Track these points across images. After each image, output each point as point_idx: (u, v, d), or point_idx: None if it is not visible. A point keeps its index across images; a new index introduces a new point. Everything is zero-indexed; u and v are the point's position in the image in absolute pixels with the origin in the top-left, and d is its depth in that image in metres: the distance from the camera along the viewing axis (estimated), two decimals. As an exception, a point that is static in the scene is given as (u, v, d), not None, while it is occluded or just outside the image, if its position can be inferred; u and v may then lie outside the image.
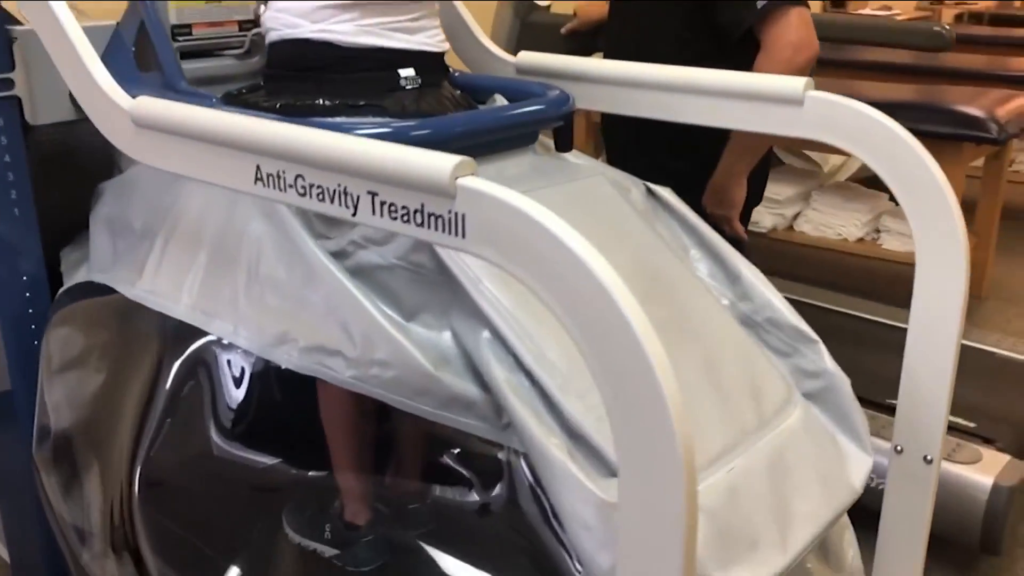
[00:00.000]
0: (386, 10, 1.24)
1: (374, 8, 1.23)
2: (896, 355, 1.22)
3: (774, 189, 3.23)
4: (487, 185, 0.78)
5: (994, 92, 3.02)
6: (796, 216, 3.25)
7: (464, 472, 1.34)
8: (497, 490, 1.32)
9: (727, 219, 1.76)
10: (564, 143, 1.31)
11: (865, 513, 1.27)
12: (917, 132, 1.18)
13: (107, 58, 1.23)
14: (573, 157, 1.31)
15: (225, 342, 1.22)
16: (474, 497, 1.34)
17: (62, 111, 1.48)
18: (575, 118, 1.31)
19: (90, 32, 1.24)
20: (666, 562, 0.73)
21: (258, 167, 0.97)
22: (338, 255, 1.13)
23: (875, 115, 1.19)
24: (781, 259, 2.86)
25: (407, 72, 1.26)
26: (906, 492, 1.27)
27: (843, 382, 1.22)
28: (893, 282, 3.27)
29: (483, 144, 1.20)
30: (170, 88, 1.29)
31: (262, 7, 1.34)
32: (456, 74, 1.41)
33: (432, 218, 0.82)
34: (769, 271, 1.34)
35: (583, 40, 2.36)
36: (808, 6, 1.62)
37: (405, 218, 0.84)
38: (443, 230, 0.82)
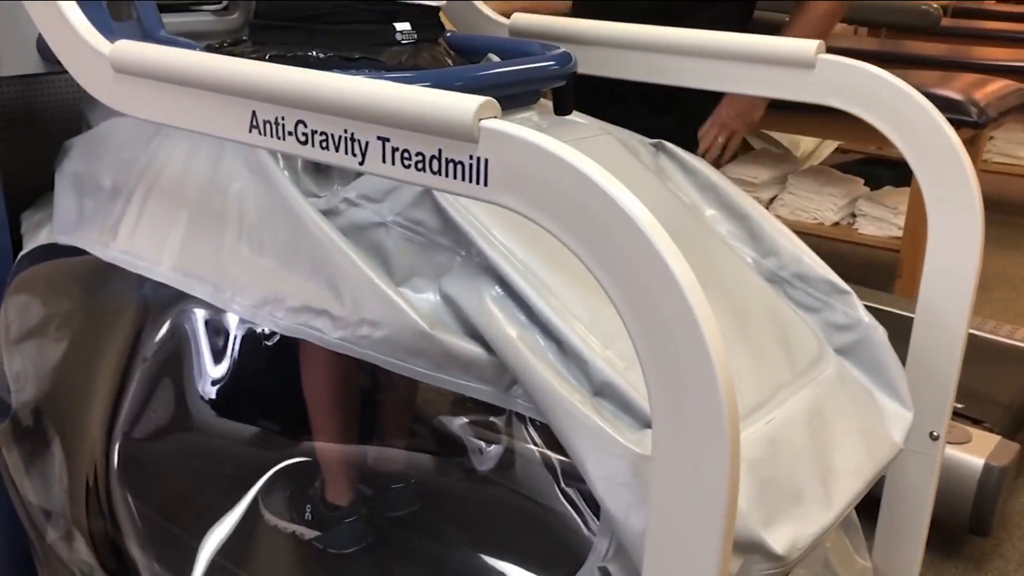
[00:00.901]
0: (382, -40, 1.18)
1: (369, -43, 1.17)
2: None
3: (750, 172, 3.22)
4: (515, 128, 0.72)
5: (967, 76, 3.03)
6: (772, 200, 3.24)
7: (454, 445, 1.29)
8: (489, 463, 1.28)
9: (732, 132, 1.84)
10: (564, 105, 1.26)
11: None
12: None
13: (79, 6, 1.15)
14: (576, 117, 1.26)
15: (208, 305, 1.15)
16: (464, 472, 1.29)
17: (28, 63, 1.39)
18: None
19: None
20: (705, 516, 0.68)
21: (254, 113, 0.90)
22: (328, 213, 1.07)
23: (890, 79, 1.16)
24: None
25: (403, 26, 1.20)
26: (910, 469, 1.24)
27: (879, 333, 1.16)
28: (868, 266, 3.30)
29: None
30: (150, 37, 1.21)
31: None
32: (449, 34, 1.36)
33: (450, 164, 0.76)
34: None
35: None
36: None
37: (420, 165, 0.78)
38: (462, 177, 0.76)
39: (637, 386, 0.88)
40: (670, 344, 0.67)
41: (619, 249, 0.68)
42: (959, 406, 1.96)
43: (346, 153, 0.83)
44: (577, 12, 1.86)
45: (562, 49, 1.23)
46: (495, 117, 0.74)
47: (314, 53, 1.15)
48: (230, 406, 1.40)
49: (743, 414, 0.93)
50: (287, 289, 1.06)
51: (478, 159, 0.74)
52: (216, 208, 1.13)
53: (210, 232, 1.13)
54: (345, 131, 0.83)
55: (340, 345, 1.03)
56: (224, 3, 1.47)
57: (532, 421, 1.01)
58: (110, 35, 1.11)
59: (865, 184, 3.27)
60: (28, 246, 1.43)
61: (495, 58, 1.30)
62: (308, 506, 1.39)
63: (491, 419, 1.22)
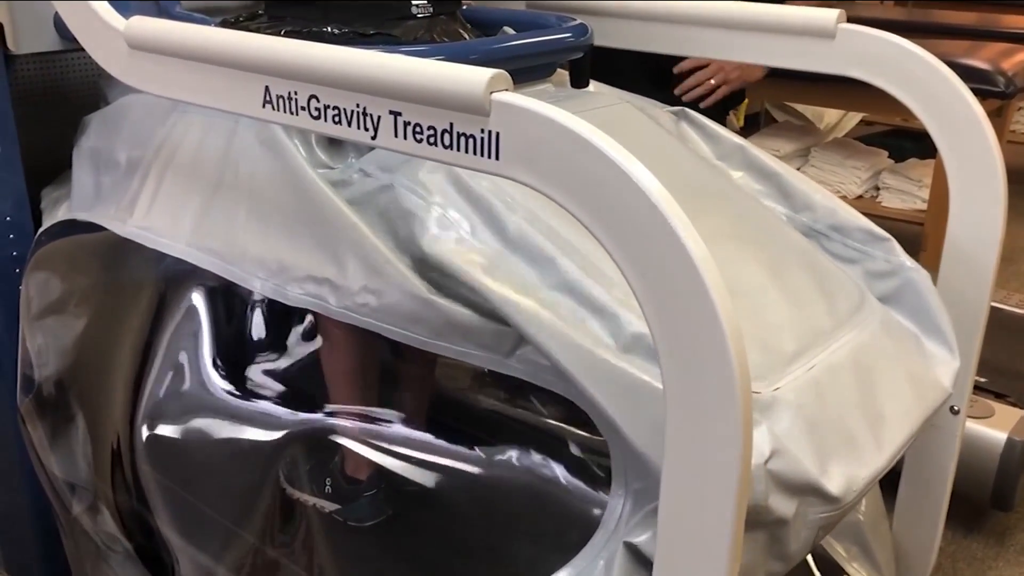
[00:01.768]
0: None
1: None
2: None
3: (773, 144, 3.19)
4: (527, 101, 0.71)
5: (994, 46, 2.97)
6: (794, 172, 3.21)
7: (472, 419, 1.29)
8: (507, 437, 1.28)
9: (726, 79, 1.82)
10: (582, 77, 1.25)
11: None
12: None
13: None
14: (593, 88, 1.25)
15: (225, 279, 1.15)
16: (482, 446, 1.30)
17: (46, 40, 1.39)
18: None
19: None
20: (720, 457, 0.67)
21: (267, 88, 0.89)
22: (340, 184, 1.06)
23: (911, 48, 1.14)
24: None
25: (419, 0, 1.19)
26: (931, 443, 1.23)
27: (922, 276, 1.13)
28: (892, 240, 3.26)
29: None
30: (165, 13, 1.21)
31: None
32: (465, 7, 1.35)
33: (462, 139, 0.76)
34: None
35: None
36: None
37: (432, 139, 0.78)
38: (474, 151, 0.75)
39: None
40: (682, 320, 0.66)
41: (630, 222, 0.67)
42: (982, 380, 1.95)
43: (358, 127, 0.83)
44: None
45: (578, 21, 1.21)
46: (507, 90, 0.74)
47: (329, 28, 1.15)
48: (248, 380, 1.40)
49: (784, 362, 0.92)
50: (293, 260, 1.06)
51: (489, 132, 0.73)
52: (230, 182, 1.13)
53: (225, 206, 1.14)
54: (357, 105, 0.82)
55: (342, 314, 1.02)
56: (240, -22, 1.46)
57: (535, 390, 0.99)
58: (125, 12, 1.11)
59: (889, 156, 3.22)
60: (47, 223, 1.44)
61: (510, 31, 1.29)
62: (328, 480, 1.40)
63: (501, 397, 1.22)
